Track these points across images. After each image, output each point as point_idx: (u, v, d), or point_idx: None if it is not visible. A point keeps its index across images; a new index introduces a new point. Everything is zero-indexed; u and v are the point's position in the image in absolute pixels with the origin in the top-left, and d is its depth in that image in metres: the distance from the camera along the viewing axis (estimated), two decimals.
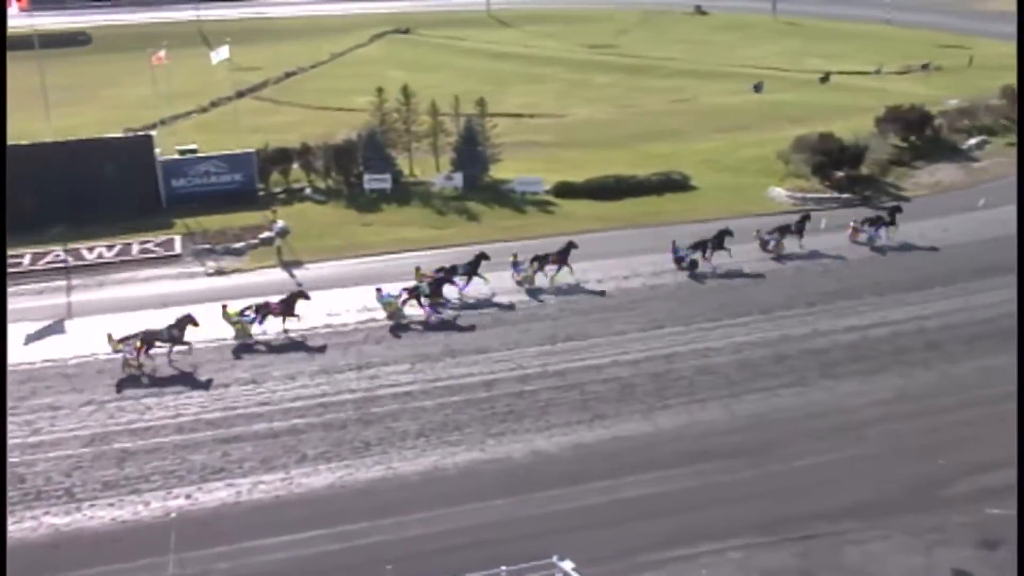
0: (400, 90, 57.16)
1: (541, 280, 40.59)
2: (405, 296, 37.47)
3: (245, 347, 34.89)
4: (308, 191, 53.85)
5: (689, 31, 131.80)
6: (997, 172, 60.46)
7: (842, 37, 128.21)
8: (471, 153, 54.99)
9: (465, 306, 38.41)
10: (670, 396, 31.59)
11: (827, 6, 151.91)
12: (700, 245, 42.62)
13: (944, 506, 25.74)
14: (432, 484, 26.95)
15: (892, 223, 45.89)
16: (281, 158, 54.48)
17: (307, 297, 36.98)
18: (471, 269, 39.74)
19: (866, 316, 37.63)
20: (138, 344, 33.29)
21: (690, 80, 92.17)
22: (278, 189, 53.65)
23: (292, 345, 35.23)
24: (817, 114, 72.46)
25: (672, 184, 55.09)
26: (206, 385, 32.19)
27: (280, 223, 47.49)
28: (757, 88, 69.91)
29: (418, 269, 39.08)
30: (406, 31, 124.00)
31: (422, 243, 46.31)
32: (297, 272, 42.79)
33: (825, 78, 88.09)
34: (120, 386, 32.29)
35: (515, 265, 40.68)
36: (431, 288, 37.66)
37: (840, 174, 55.43)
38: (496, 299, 39.09)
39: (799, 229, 45.20)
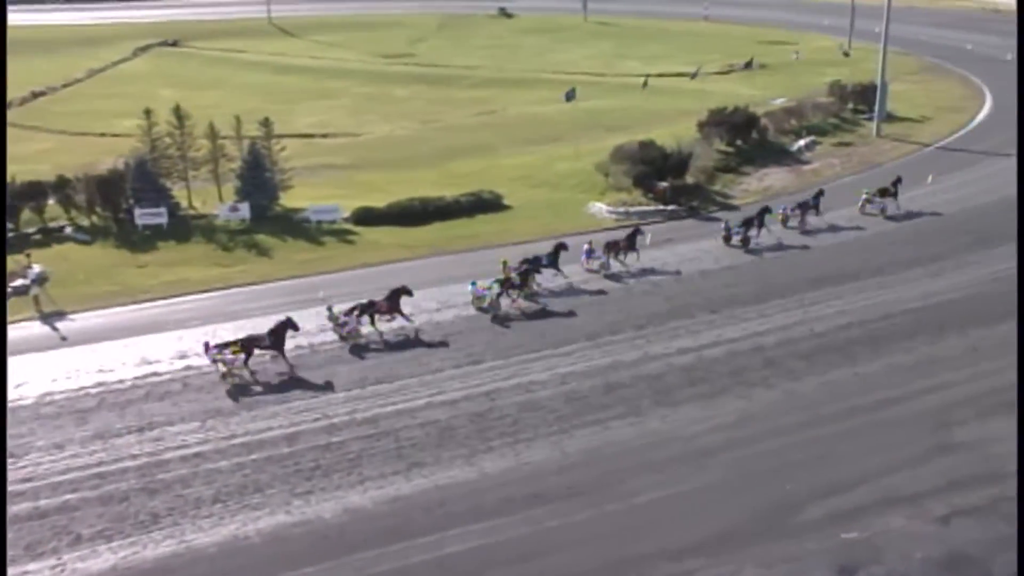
0: (172, 111, 55.97)
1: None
2: (499, 290, 41.48)
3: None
4: (69, 230, 52.07)
5: (493, 35, 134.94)
6: (828, 174, 65.04)
7: (659, 37, 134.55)
8: (258, 180, 54.27)
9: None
10: (494, 437, 31.90)
11: (642, 3, 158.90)
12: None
13: (796, 533, 26.79)
14: (233, 556, 26.34)
15: (632, 247, 47.53)
16: (33, 192, 52.49)
17: (410, 293, 40.17)
18: (553, 260, 44.67)
19: (700, 336, 39.31)
20: (235, 350, 35.46)
21: (497, 89, 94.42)
22: (31, 229, 51.60)
23: (58, 409, 33.80)
24: (636, 121, 75.68)
25: (484, 204, 56.04)
26: None
27: (36, 268, 45.89)
28: (569, 97, 72.21)
29: (505, 262, 43.70)
30: (174, 43, 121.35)
31: (206, 284, 45.40)
32: (60, 324, 41.18)
33: (646, 82, 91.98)
34: None
35: (589, 253, 46.13)
36: (520, 279, 42.31)
37: (664, 184, 57.83)
38: (300, 341, 38.65)
39: (628, 245, 47.30)
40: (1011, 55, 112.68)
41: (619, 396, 34.45)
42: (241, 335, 37.09)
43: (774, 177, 64.22)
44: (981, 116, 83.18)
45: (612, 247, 47.01)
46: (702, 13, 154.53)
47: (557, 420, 32.90)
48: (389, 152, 69.86)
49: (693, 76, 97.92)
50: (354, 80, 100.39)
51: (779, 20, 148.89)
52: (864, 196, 55.27)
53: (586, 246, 47.10)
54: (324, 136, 75.81)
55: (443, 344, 38.65)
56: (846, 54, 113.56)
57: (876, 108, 76.11)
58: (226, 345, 36.07)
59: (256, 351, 36.40)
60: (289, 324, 37.21)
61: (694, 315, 41.32)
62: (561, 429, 32.32)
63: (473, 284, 41.97)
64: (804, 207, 52.86)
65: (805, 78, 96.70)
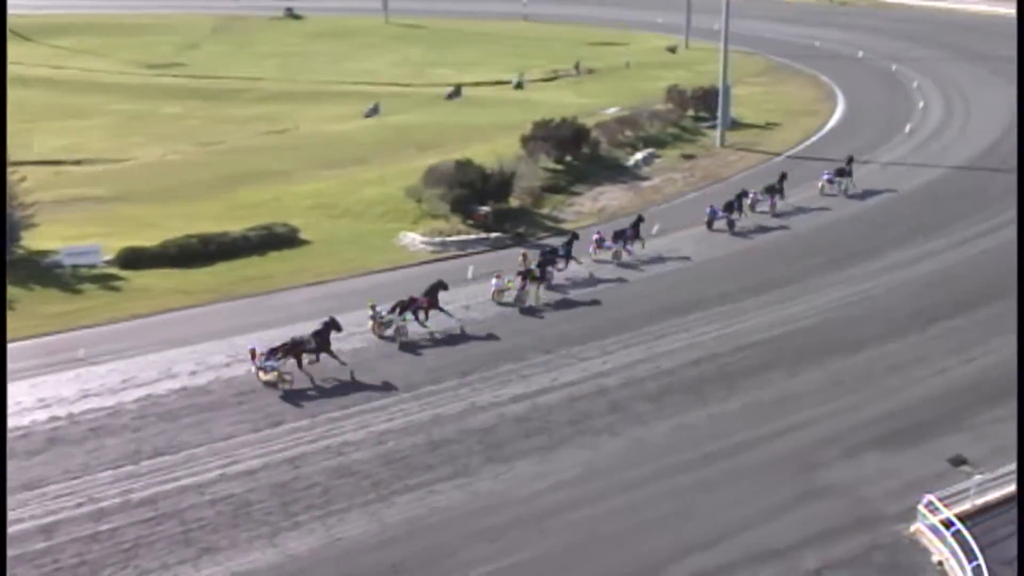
0: None
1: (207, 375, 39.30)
2: (520, 282, 47.57)
3: None
4: None
5: (280, 41, 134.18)
6: (670, 191, 67.63)
7: (473, 40, 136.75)
8: None
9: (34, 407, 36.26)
10: (300, 511, 31.65)
11: (452, 2, 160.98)
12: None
13: None
14: None
15: (637, 236, 53.79)
16: None
17: (446, 287, 45.29)
18: (567, 250, 51.23)
19: (534, 380, 40.00)
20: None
21: (287, 104, 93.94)
22: None
23: None
24: (451, 138, 76.64)
25: (277, 240, 55.61)
26: None
27: None
28: (371, 112, 72.37)
29: (524, 255, 50.03)
30: None
31: None
32: None
33: (456, 92, 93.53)
34: None
35: (600, 242, 53.70)
36: (540, 270, 48.59)
37: (486, 209, 58.86)
38: (57, 411, 37.41)
39: (634, 234, 53.07)
40: (863, 52, 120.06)
41: (445, 454, 34.66)
42: None
43: (610, 196, 66.24)
44: (834, 120, 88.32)
45: (620, 236, 53.62)
46: (521, 13, 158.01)
47: (374, 486, 32.83)
48: (160, 180, 68.32)
49: (516, 85, 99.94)
50: (112, 95, 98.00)
51: (607, 19, 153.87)
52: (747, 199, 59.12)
53: (596, 235, 53.97)
54: (77, 163, 73.68)
55: (236, 403, 38.12)
56: (671, 50, 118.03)
57: (719, 115, 79.64)
58: (275, 351, 39.84)
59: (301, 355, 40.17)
60: (333, 324, 41.16)
61: (525, 356, 42.03)
62: (379, 496, 32.29)
63: (497, 276, 48.41)
64: (772, 191, 60.88)
65: (639, 83, 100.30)
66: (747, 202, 59.75)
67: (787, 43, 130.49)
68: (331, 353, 40.89)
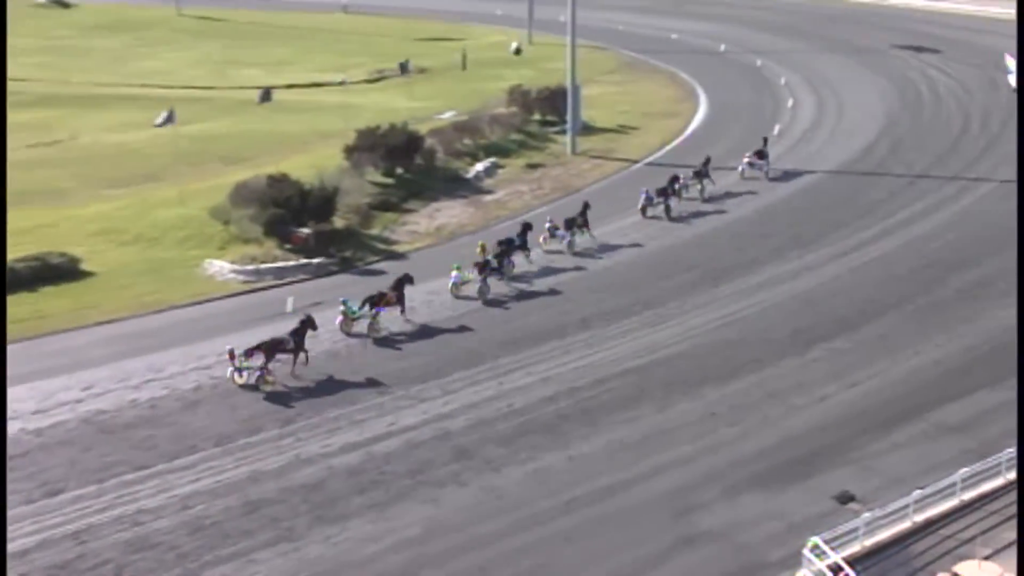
0: None
1: None
2: (479, 275, 51.92)
3: None
4: None
5: (47, 34, 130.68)
6: (517, 205, 68.48)
7: (284, 35, 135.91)
8: None
9: None
10: None
11: None
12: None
13: None
14: None
15: (586, 225, 59.12)
16: None
17: (412, 281, 50.12)
18: (523, 240, 56.13)
19: (368, 426, 39.92)
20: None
21: (60, 110, 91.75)
22: None
23: None
24: (262, 149, 75.91)
25: (53, 272, 54.15)
26: None
27: None
28: (165, 120, 70.57)
29: (483, 245, 54.85)
30: None
31: None
32: None
33: (266, 96, 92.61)
34: None
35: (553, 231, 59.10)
36: (498, 260, 53.60)
37: (306, 231, 58.60)
38: None
39: (584, 222, 57.95)
40: (725, 46, 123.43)
41: (264, 516, 34.21)
42: None
43: (449, 212, 66.77)
44: (697, 121, 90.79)
45: (571, 224, 58.53)
46: (339, 3, 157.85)
47: (179, 560, 32.18)
48: None
49: (341, 85, 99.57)
50: None
51: (439, 10, 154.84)
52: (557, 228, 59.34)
53: (548, 223, 58.77)
54: None
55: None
56: (518, 52, 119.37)
57: (569, 119, 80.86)
58: (252, 351, 43.07)
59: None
60: (310, 323, 44.85)
61: (357, 400, 41.93)
62: (186, 572, 31.64)
63: (459, 268, 52.21)
64: (700, 175, 67.40)
65: (478, 84, 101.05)
66: (678, 187, 65.67)
67: (641, 36, 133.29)
68: (304, 352, 44.38)
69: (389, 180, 70.40)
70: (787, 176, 71.97)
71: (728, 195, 68.29)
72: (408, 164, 71.96)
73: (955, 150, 79.29)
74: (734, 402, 41.40)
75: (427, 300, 51.50)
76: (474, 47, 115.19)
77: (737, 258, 57.17)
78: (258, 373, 42.89)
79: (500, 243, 55.48)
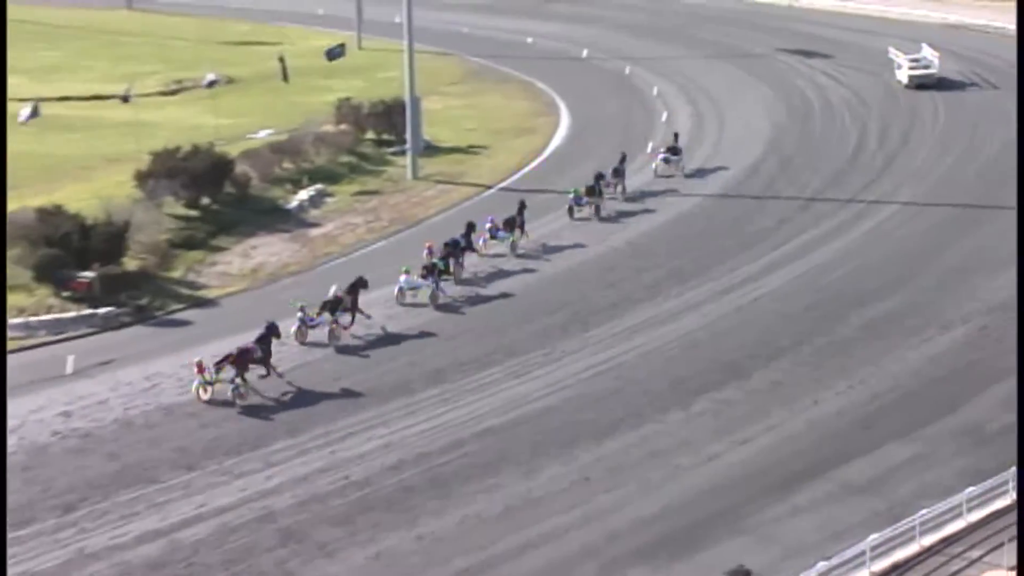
0: None
1: None
2: (428, 280, 56.66)
3: None
4: None
5: None
6: (349, 240, 68.28)
7: (54, 36, 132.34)
8: None
9: None
10: None
11: None
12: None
13: None
14: None
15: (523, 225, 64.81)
16: None
17: (367, 285, 54.50)
18: (468, 241, 61.23)
19: (173, 508, 39.29)
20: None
21: None
22: None
23: None
24: (29, 176, 72.82)
25: None
26: None
27: None
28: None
29: (430, 246, 59.03)
30: None
31: None
32: None
33: (34, 112, 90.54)
34: None
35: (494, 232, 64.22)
36: (444, 263, 58.24)
37: (89, 275, 57.18)
38: None
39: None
40: (587, 51, 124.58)
41: None
42: None
43: (267, 249, 66.22)
44: (558, 139, 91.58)
45: (510, 224, 63.78)
46: None
47: None
48: None
49: (125, 99, 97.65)
50: None
51: (249, 9, 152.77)
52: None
53: (488, 223, 63.68)
54: None
55: None
56: (333, 54, 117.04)
57: (408, 138, 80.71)
58: (222, 362, 46.77)
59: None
60: (274, 331, 49.05)
61: (160, 478, 41.30)
62: None
63: (407, 273, 56.97)
64: (618, 174, 73.32)
65: (299, 97, 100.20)
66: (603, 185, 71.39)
67: (491, 40, 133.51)
68: (266, 365, 48.17)
69: (193, 212, 69.38)
70: (662, 202, 72.88)
71: (599, 227, 68.88)
72: (216, 193, 70.91)
73: (852, 168, 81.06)
74: (611, 464, 41.71)
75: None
76: (294, 53, 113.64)
77: (608, 296, 57.79)
78: (232, 387, 46.22)
79: (446, 244, 59.64)
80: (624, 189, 73.42)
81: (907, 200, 72.11)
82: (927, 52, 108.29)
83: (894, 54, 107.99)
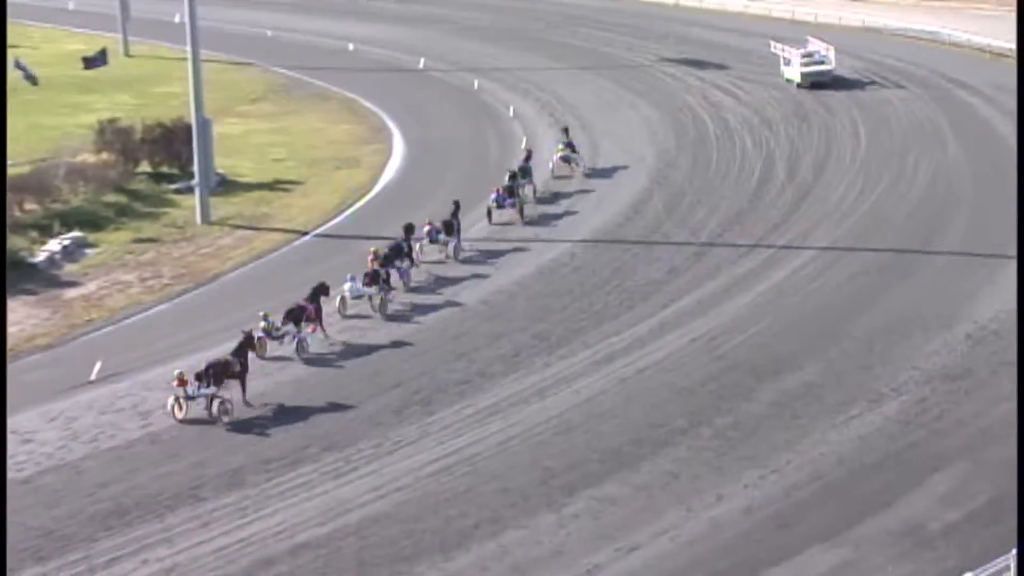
0: None
1: None
2: (372, 288, 63.56)
3: None
4: None
5: None
6: (119, 304, 67.43)
7: None
8: None
9: None
10: None
11: None
12: None
13: None
14: None
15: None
16: None
17: (327, 292, 61.00)
18: (408, 245, 68.10)
19: None
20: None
21: None
22: None
23: None
24: None
25: None
26: None
27: None
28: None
29: (376, 251, 65.23)
30: None
31: None
32: None
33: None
34: None
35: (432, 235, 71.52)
36: (386, 272, 64.66)
37: None
38: None
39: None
40: (426, 60, 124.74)
41: None
42: None
43: (8, 318, 63.84)
44: (390, 172, 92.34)
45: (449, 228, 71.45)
46: None
47: None
48: None
49: None
50: None
51: None
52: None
53: (426, 226, 70.93)
54: None
55: None
56: (92, 63, 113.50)
57: (196, 171, 79.95)
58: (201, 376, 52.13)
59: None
60: (249, 342, 54.89)
61: None
62: None
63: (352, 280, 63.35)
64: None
65: (47, 117, 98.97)
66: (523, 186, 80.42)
67: (303, 46, 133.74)
68: (243, 381, 53.74)
69: None
70: (523, 249, 73.32)
71: (444, 282, 68.89)
72: None
73: (756, 205, 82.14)
74: None
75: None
76: (36, 60, 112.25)
77: (458, 370, 57.71)
78: (218, 401, 51.97)
79: (390, 248, 66.62)
80: (458, 247, 71.95)
81: (825, 245, 73.07)
82: (819, 45, 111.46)
83: (779, 48, 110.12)
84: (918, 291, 65.54)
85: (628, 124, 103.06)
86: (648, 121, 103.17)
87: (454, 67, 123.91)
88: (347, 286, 63.08)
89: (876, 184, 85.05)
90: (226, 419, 52.00)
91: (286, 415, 53.58)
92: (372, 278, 63.27)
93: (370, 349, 60.21)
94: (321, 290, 60.31)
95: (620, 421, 52.57)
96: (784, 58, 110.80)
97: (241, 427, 52.43)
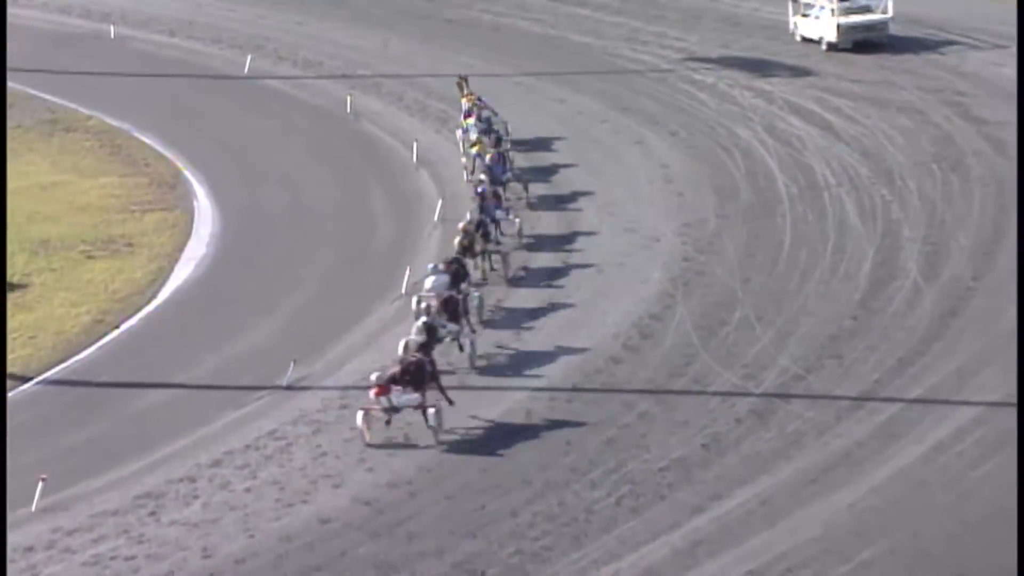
0: None
1: None
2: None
3: None
4: None
5: None
6: None
7: None
8: None
9: None
10: None
11: None
12: None
13: None
14: None
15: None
16: None
17: None
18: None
19: None
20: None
21: None
22: None
23: None
24: None
25: None
26: None
27: None
28: None
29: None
30: None
31: None
32: None
33: None
34: None
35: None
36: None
37: None
38: None
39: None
40: (252, 58, 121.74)
41: None
42: None
43: None
44: (191, 262, 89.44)
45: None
46: None
47: None
48: None
49: None
50: None
51: None
52: None
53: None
54: None
55: None
56: None
57: None
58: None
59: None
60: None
61: None
62: None
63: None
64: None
65: None
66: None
67: (29, 32, 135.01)
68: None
69: None
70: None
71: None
72: None
73: (865, 326, 77.36)
74: None
75: None
76: None
77: None
78: (432, 411, 63.55)
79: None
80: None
81: (995, 399, 67.31)
82: None
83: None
84: None
85: (631, 176, 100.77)
86: (668, 171, 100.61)
87: (309, 71, 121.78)
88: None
89: None
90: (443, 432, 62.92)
91: None
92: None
93: None
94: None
95: None
96: (804, 2, 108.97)
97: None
